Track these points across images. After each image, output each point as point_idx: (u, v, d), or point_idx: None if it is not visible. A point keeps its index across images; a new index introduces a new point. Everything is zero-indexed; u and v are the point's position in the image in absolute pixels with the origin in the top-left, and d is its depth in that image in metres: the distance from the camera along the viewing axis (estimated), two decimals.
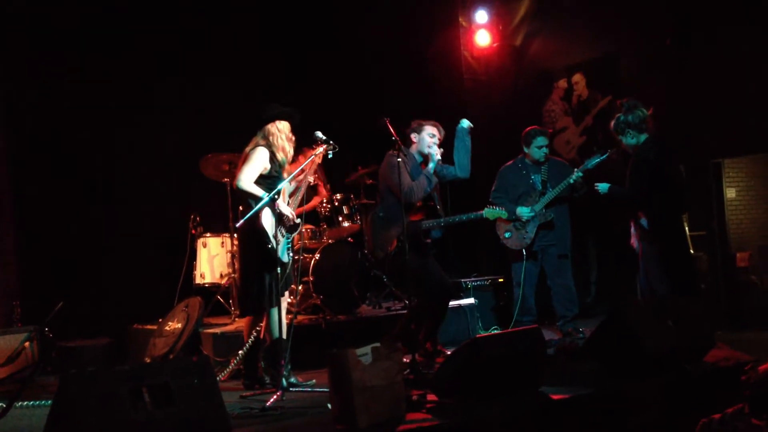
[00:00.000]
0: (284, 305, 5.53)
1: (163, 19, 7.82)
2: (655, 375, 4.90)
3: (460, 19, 9.29)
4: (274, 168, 5.38)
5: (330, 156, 5.48)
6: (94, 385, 3.62)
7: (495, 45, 9.33)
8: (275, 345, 5.34)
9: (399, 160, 5.61)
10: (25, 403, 5.18)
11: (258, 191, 5.25)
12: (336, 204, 7.41)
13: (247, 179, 5.26)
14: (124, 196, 7.72)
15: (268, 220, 5.25)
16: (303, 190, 5.60)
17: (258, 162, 5.31)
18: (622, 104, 6.15)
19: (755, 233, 7.83)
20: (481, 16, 9.22)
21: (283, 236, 5.35)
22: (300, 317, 6.74)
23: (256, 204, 5.21)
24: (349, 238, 7.57)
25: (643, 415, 4.73)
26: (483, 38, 9.29)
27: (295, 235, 5.53)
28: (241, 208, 6.15)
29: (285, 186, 5.40)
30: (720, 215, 7.52)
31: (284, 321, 5.40)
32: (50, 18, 7.31)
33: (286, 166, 5.49)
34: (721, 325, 6.82)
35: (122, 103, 7.70)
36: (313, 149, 5.60)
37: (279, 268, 5.29)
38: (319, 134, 5.45)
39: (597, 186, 6.30)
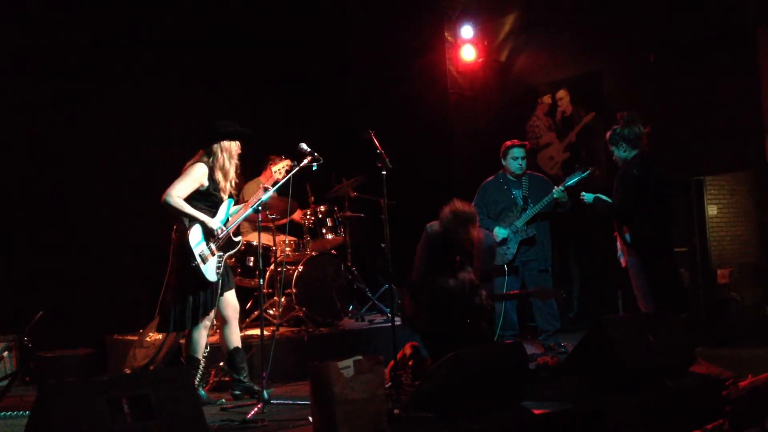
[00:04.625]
0: (207, 324, 5.42)
1: (151, 24, 7.83)
2: (636, 390, 4.92)
3: (446, 34, 9.32)
4: (212, 186, 5.30)
5: (314, 168, 5.46)
6: (72, 396, 3.59)
7: (480, 60, 9.37)
8: (189, 362, 5.35)
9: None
10: (3, 414, 5.12)
11: (186, 208, 5.17)
12: (320, 216, 7.40)
13: (176, 194, 5.16)
14: (105, 205, 7.68)
15: (195, 237, 5.18)
16: (246, 205, 5.41)
17: (192, 179, 5.23)
18: (623, 117, 6.18)
19: (736, 250, 7.87)
20: (467, 31, 9.26)
21: (213, 254, 5.25)
22: (282, 329, 6.72)
23: (188, 220, 5.16)
24: (333, 251, 7.56)
25: (624, 430, 4.74)
26: (468, 53, 9.32)
27: (231, 252, 5.38)
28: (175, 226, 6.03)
29: (267, 197, 5.37)
30: (701, 232, 7.56)
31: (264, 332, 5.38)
32: (38, 19, 7.29)
33: (224, 185, 5.37)
34: (702, 342, 6.85)
35: (105, 111, 7.68)
36: (281, 158, 5.60)
37: (206, 288, 5.21)
38: (304, 146, 5.44)
39: (583, 195, 6.34)
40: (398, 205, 6.72)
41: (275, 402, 5.14)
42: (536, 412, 4.60)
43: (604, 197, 6.28)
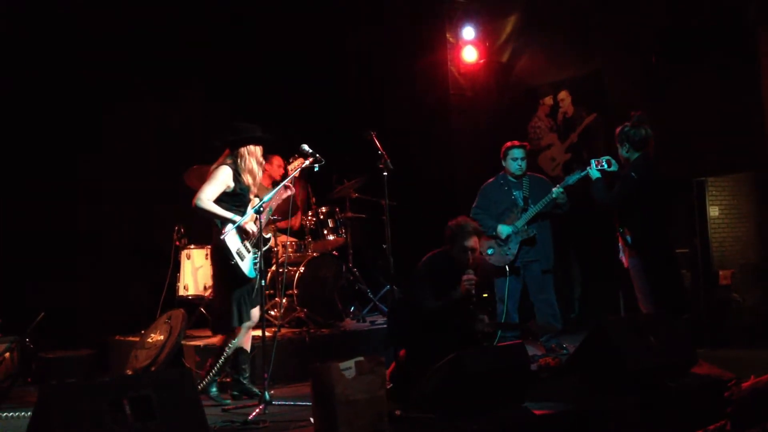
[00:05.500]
0: (255, 318, 5.50)
1: (147, 27, 7.83)
2: (637, 391, 4.91)
3: (448, 35, 9.32)
4: (238, 186, 5.36)
5: (316, 169, 5.47)
6: (74, 397, 3.59)
7: (482, 61, 9.37)
8: (237, 356, 5.45)
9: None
10: (4, 414, 5.12)
11: (216, 209, 5.24)
12: (321, 217, 7.39)
13: (205, 198, 5.23)
14: (107, 207, 7.68)
15: (231, 236, 5.24)
16: (274, 203, 5.51)
17: (219, 181, 5.29)
18: (634, 116, 6.17)
19: (738, 251, 7.86)
20: (468, 32, 9.26)
21: (249, 252, 5.34)
22: (283, 330, 6.71)
23: (220, 222, 5.24)
24: (334, 252, 7.56)
25: (625, 431, 4.74)
26: (470, 54, 9.32)
27: (264, 249, 5.45)
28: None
29: (269, 199, 5.38)
30: (703, 233, 7.55)
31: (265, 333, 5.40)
32: (38, 19, 7.29)
33: (252, 186, 5.47)
34: (704, 343, 6.85)
35: (106, 112, 7.68)
36: (290, 159, 5.66)
37: (246, 284, 5.30)
38: (306, 147, 5.46)
39: (589, 170, 6.33)
40: (399, 206, 6.71)
41: (276, 403, 5.13)
42: (537, 412, 4.60)
43: (613, 163, 6.26)
